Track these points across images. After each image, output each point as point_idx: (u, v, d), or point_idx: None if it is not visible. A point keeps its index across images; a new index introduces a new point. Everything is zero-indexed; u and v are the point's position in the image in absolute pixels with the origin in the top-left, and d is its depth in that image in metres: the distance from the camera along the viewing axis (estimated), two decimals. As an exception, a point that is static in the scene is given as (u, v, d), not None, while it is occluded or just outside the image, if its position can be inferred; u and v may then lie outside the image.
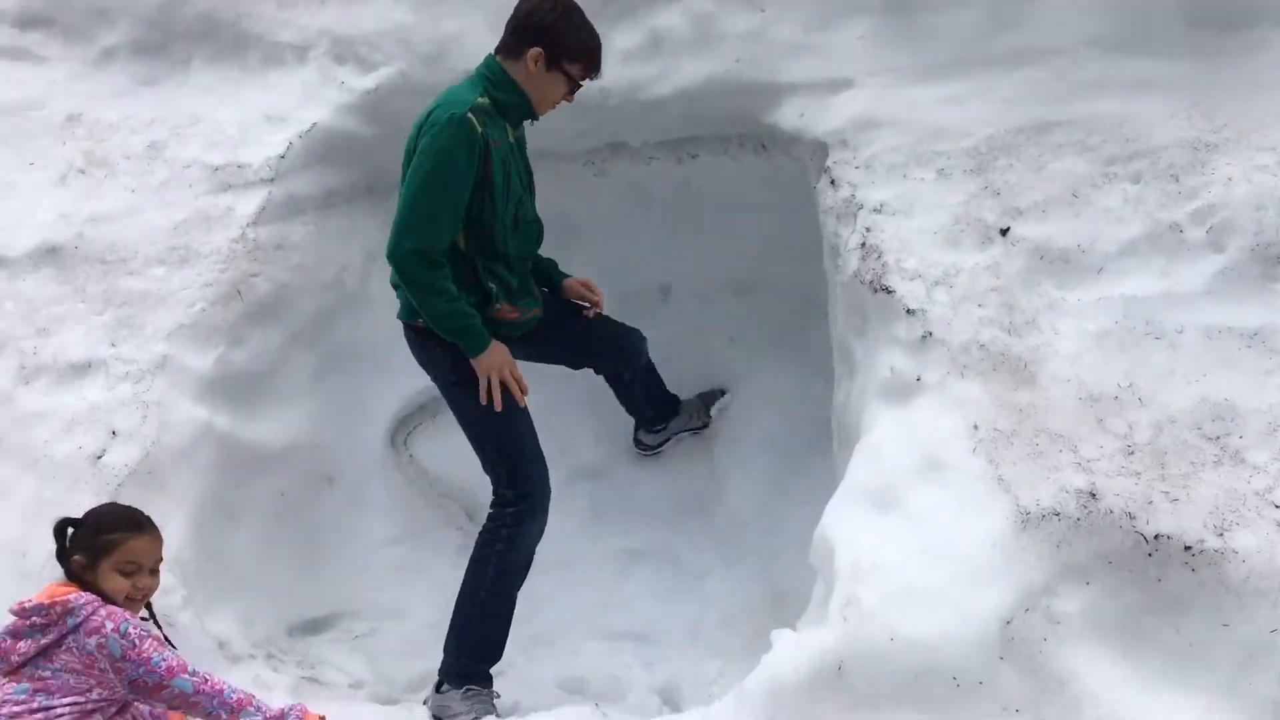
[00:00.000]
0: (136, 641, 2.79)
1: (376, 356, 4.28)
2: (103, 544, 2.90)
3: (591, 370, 4.12)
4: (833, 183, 3.34)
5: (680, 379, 4.42)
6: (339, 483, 4.22)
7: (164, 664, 2.80)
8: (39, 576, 3.43)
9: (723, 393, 4.46)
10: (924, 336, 2.87)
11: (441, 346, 3.42)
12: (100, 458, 3.61)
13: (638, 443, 4.42)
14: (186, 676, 2.80)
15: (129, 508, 3.07)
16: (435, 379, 3.61)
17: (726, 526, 4.10)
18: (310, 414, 4.14)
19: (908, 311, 2.91)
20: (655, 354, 4.46)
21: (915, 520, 2.57)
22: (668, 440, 4.40)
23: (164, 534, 3.30)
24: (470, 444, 3.57)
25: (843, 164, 3.35)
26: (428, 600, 4.06)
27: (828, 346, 3.73)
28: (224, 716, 2.83)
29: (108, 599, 2.87)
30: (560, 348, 3.87)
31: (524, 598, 3.50)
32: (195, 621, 3.44)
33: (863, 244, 3.11)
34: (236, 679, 3.40)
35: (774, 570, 3.79)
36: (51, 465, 3.64)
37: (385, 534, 4.26)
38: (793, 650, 2.52)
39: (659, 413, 4.32)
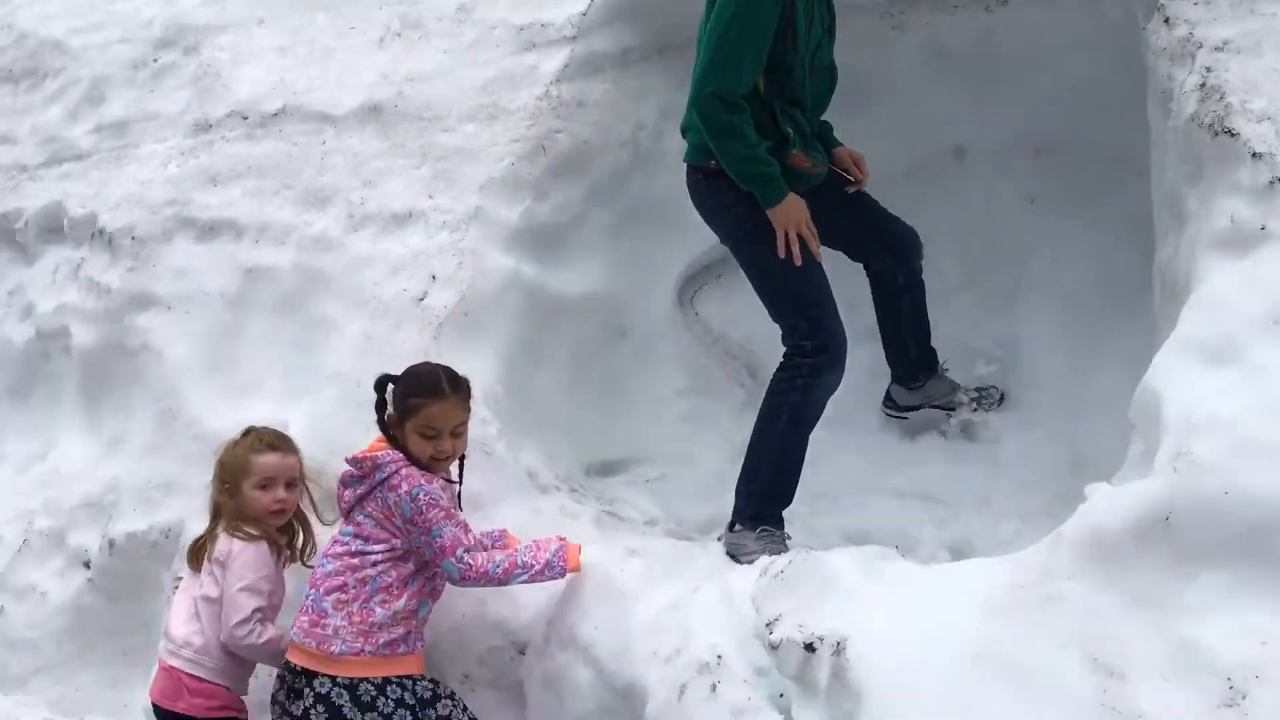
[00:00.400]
0: (424, 509, 3.00)
1: (667, 216, 4.36)
2: (408, 407, 3.11)
3: (864, 267, 3.94)
4: (1167, 21, 3.11)
5: (972, 250, 4.30)
6: (631, 335, 4.37)
7: (439, 541, 3.01)
8: (371, 406, 3.76)
9: (1001, 396, 4.03)
10: (1271, 183, 2.66)
11: (735, 193, 3.43)
12: (422, 299, 3.88)
13: (888, 401, 4.10)
14: (454, 561, 3.00)
15: (437, 372, 3.19)
16: (722, 228, 3.62)
17: (1022, 389, 4.00)
18: (606, 268, 4.29)
19: (1253, 156, 2.71)
20: (946, 222, 4.36)
21: (1258, 373, 2.42)
22: (921, 408, 4.05)
23: (479, 372, 3.55)
24: (761, 297, 3.58)
25: (1179, 0, 3.11)
26: (714, 450, 4.19)
27: (1139, 208, 3.53)
28: (493, 585, 3.04)
29: (413, 459, 3.10)
30: (839, 220, 3.73)
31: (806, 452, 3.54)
32: (509, 453, 3.69)
33: (1202, 85, 2.90)
34: (545, 507, 3.65)
35: (1076, 434, 3.68)
36: (380, 305, 3.94)
37: (674, 386, 4.39)
38: (1114, 500, 2.45)
39: (921, 359, 3.98)
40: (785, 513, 3.53)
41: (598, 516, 3.74)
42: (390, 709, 3.01)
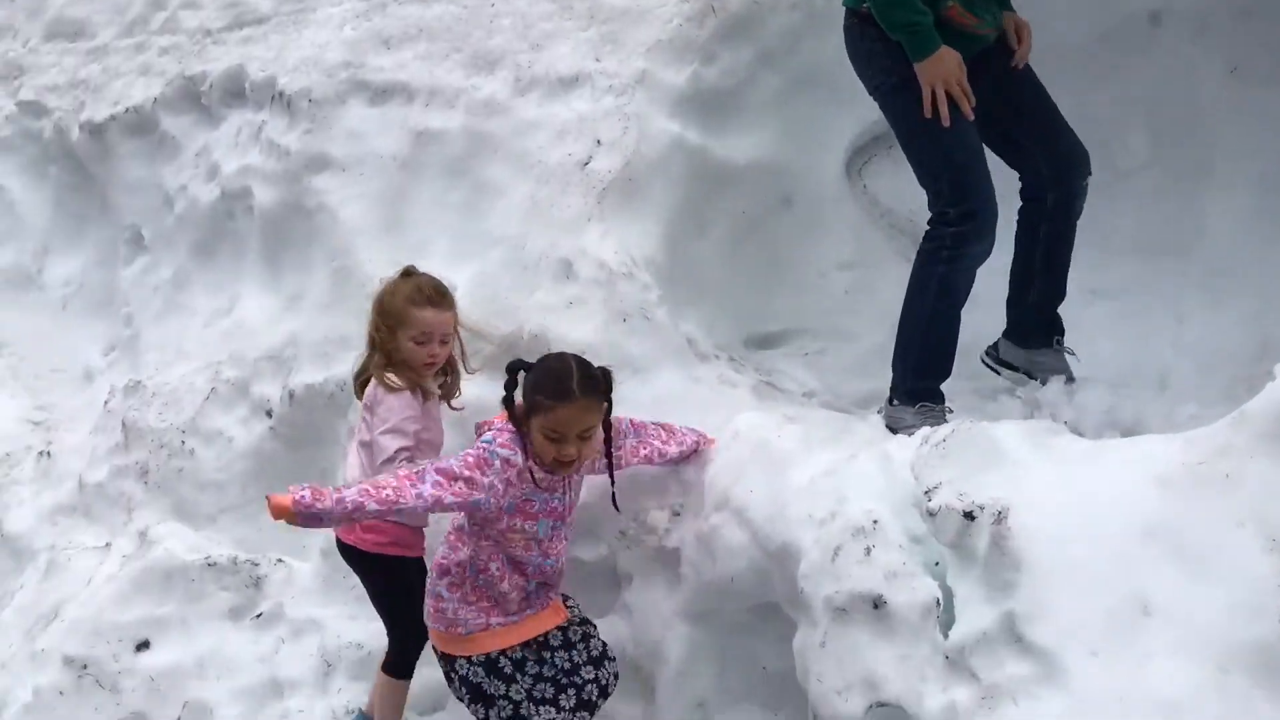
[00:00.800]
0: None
1: (839, 82, 4.18)
2: (534, 404, 2.91)
3: (1021, 178, 3.58)
4: None
5: (1162, 124, 4.06)
6: (796, 205, 4.29)
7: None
8: (535, 268, 3.83)
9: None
10: None
11: (883, 42, 3.28)
12: (587, 164, 3.88)
13: (991, 351, 3.73)
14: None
15: (569, 369, 2.95)
16: (869, 80, 3.46)
17: (1208, 269, 3.79)
18: (773, 135, 4.20)
19: None
20: (1137, 93, 4.11)
21: None
22: (1018, 369, 3.68)
23: (640, 237, 3.56)
24: (908, 158, 3.44)
25: None
26: (876, 325, 4.10)
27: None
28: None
29: (539, 455, 2.93)
30: (1001, 107, 3.44)
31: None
32: (669, 319, 3.71)
33: None
34: (704, 375, 3.68)
35: (1266, 317, 3.48)
36: (545, 170, 3.97)
37: (837, 258, 4.31)
38: (1307, 378, 2.31)
39: (1042, 316, 3.59)
40: (945, 386, 3.46)
41: (756, 386, 3.75)
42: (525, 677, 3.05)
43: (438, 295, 3.40)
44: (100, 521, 4.47)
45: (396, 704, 3.41)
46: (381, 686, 3.40)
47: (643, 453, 3.25)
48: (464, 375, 3.54)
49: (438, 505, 2.80)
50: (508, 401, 2.98)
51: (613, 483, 3.15)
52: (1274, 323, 3.44)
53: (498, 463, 2.87)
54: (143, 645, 3.91)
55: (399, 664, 3.39)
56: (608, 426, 3.08)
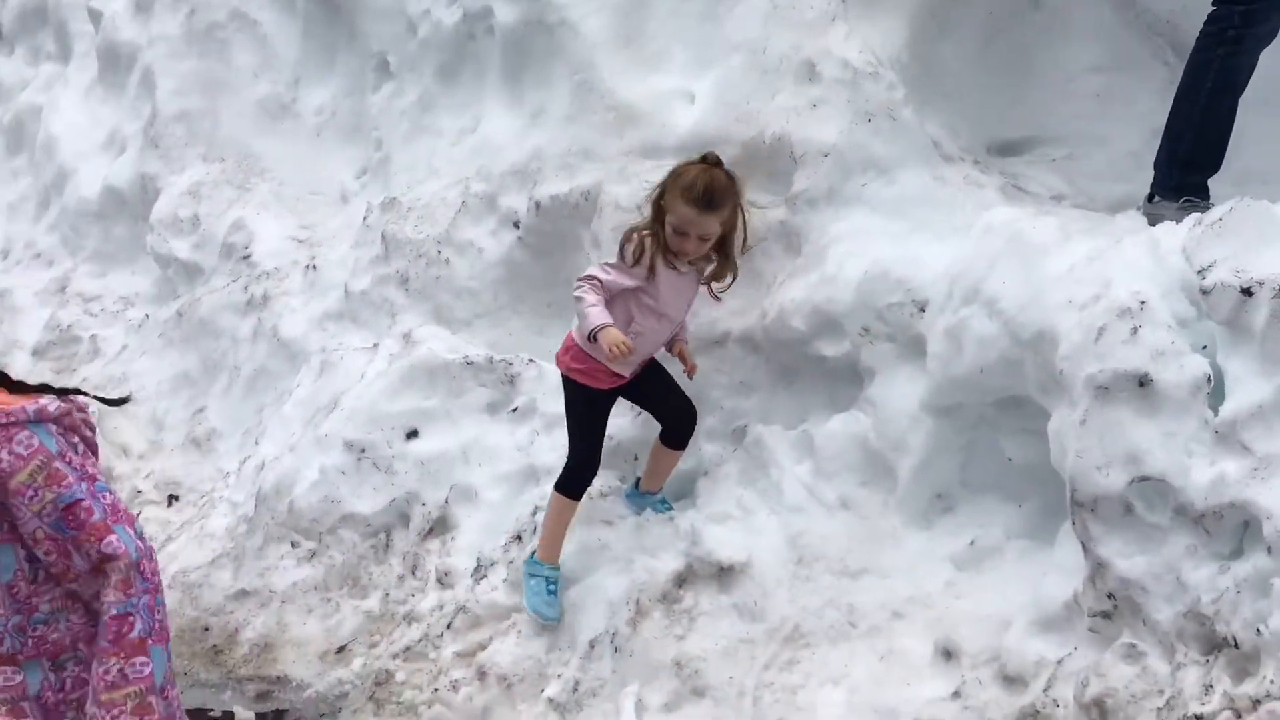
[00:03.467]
0: None
1: None
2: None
3: None
4: None
5: None
6: (1044, 5, 4.12)
7: None
8: (777, 72, 3.82)
9: None
10: None
11: None
12: (832, -38, 3.83)
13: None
14: None
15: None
16: None
17: None
18: (1023, -70, 4.02)
19: None
20: None
21: None
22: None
23: (886, 35, 3.54)
24: None
25: None
26: (1129, 129, 3.96)
27: None
28: None
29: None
30: None
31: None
32: (915, 119, 3.68)
33: None
34: (949, 175, 3.65)
35: None
36: (786, -29, 3.94)
37: (1088, 61, 4.12)
38: None
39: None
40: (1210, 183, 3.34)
41: (1003, 187, 3.70)
42: None
43: (706, 198, 3.34)
44: (366, 326, 4.83)
45: (562, 521, 3.59)
46: (551, 501, 3.61)
47: None
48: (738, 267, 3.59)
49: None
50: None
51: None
52: None
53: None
54: (412, 434, 4.25)
55: (564, 481, 3.59)
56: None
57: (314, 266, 5.29)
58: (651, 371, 3.65)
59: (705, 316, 3.89)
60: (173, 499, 4.95)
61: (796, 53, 3.84)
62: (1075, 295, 2.80)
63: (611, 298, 3.42)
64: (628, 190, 4.12)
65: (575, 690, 3.37)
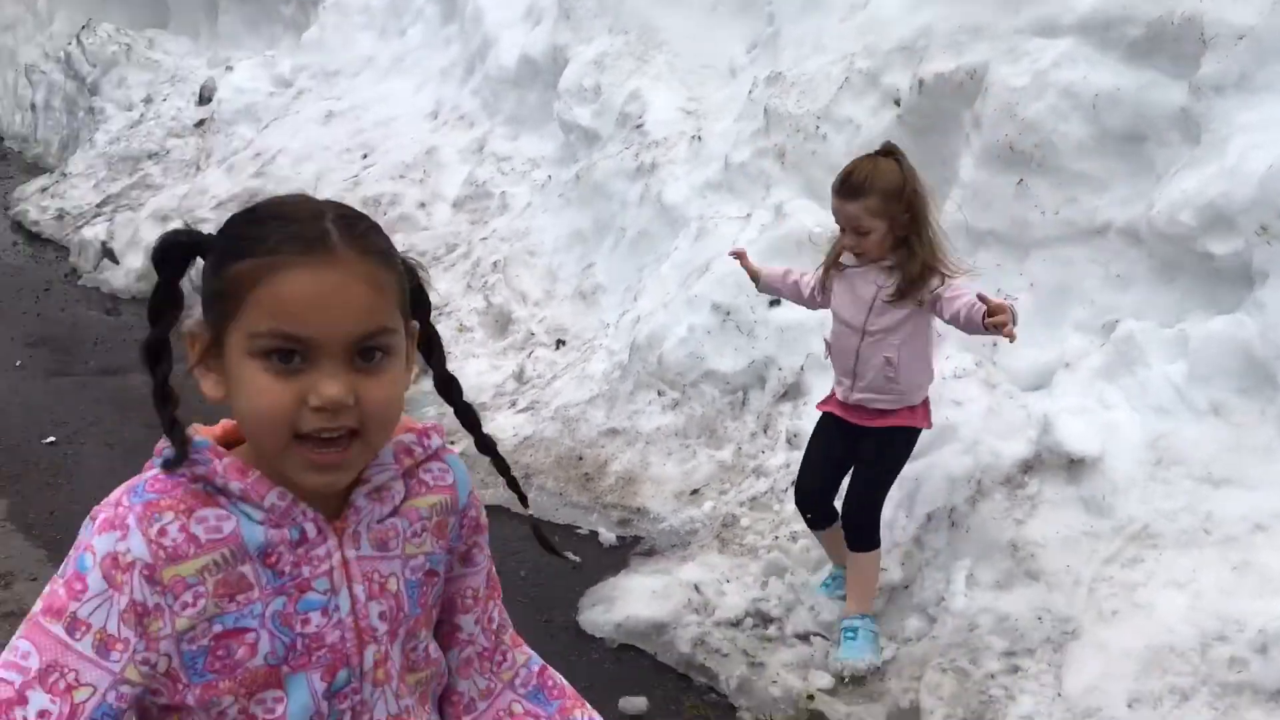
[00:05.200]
0: None
1: None
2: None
3: None
4: None
5: None
6: None
7: None
8: None
9: None
10: None
11: None
12: None
13: None
14: None
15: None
16: None
17: None
18: None
19: None
20: None
21: None
22: None
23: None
24: None
25: None
26: None
27: None
28: None
29: None
30: None
31: None
32: None
33: None
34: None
35: None
36: None
37: None
38: None
39: None
40: None
41: None
42: None
43: (843, 183, 3.11)
44: (742, 196, 5.03)
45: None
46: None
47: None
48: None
49: None
50: None
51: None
52: None
53: None
54: (775, 301, 4.44)
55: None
56: None
57: (699, 137, 5.54)
58: (872, 444, 3.29)
59: (1085, 204, 3.76)
60: (560, 343, 5.47)
61: (1220, -77, 3.56)
62: None
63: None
64: (1015, 71, 4.02)
65: (908, 561, 3.49)
